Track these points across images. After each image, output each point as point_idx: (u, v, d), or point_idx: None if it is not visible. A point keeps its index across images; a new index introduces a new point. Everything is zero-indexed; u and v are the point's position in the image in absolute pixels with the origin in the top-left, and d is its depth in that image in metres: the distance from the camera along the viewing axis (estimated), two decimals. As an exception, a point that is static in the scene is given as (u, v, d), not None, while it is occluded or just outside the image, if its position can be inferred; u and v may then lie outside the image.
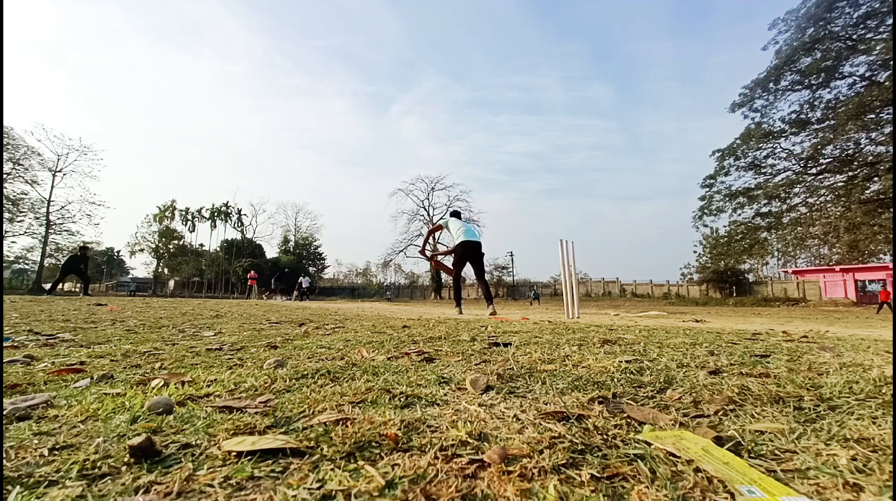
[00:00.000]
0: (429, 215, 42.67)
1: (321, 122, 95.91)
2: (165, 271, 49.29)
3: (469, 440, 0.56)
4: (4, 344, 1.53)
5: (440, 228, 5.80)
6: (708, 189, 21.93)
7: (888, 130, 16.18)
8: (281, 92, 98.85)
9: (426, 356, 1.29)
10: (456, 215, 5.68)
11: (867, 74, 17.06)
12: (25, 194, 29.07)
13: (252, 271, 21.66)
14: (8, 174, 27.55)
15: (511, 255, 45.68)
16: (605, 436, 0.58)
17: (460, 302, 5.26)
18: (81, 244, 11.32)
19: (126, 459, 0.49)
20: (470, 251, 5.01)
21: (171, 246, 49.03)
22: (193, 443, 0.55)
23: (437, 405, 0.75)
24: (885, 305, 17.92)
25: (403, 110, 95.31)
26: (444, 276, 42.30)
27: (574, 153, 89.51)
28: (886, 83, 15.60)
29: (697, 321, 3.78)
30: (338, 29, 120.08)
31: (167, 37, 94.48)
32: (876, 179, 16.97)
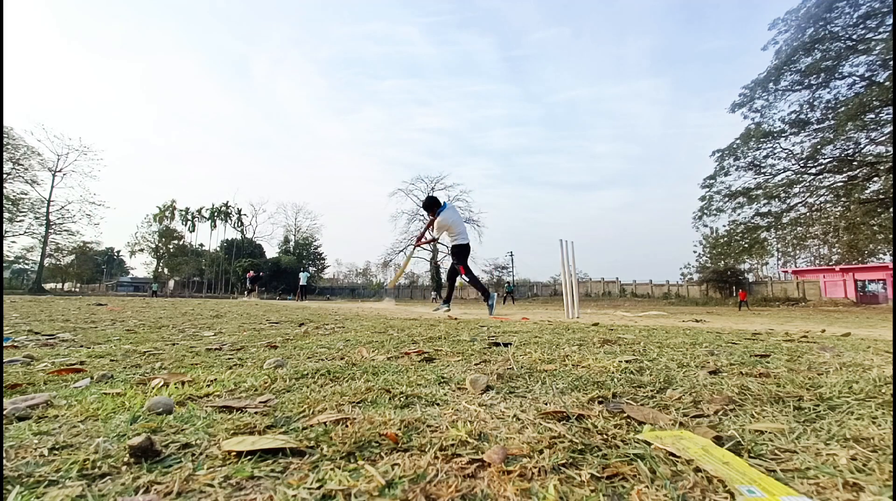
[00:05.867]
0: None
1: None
2: (165, 271, 49.29)
3: (469, 439, 0.56)
4: (4, 344, 1.52)
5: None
6: (708, 189, 21.92)
7: (888, 130, 16.17)
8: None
9: (426, 355, 1.29)
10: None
11: (867, 74, 17.05)
12: (25, 194, 29.03)
13: (251, 272, 21.69)
14: (8, 174, 27.51)
15: (511, 255, 45.71)
16: (604, 436, 0.58)
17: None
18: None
19: (126, 459, 0.49)
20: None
21: (171, 246, 49.03)
22: (193, 443, 0.55)
23: (437, 404, 0.75)
24: (744, 304, 18.33)
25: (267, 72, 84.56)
26: (444, 276, 42.41)
27: (492, 130, 78.20)
28: (886, 83, 15.58)
29: (697, 321, 3.78)
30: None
31: (160, 34, 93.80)
32: (876, 179, 16.97)
